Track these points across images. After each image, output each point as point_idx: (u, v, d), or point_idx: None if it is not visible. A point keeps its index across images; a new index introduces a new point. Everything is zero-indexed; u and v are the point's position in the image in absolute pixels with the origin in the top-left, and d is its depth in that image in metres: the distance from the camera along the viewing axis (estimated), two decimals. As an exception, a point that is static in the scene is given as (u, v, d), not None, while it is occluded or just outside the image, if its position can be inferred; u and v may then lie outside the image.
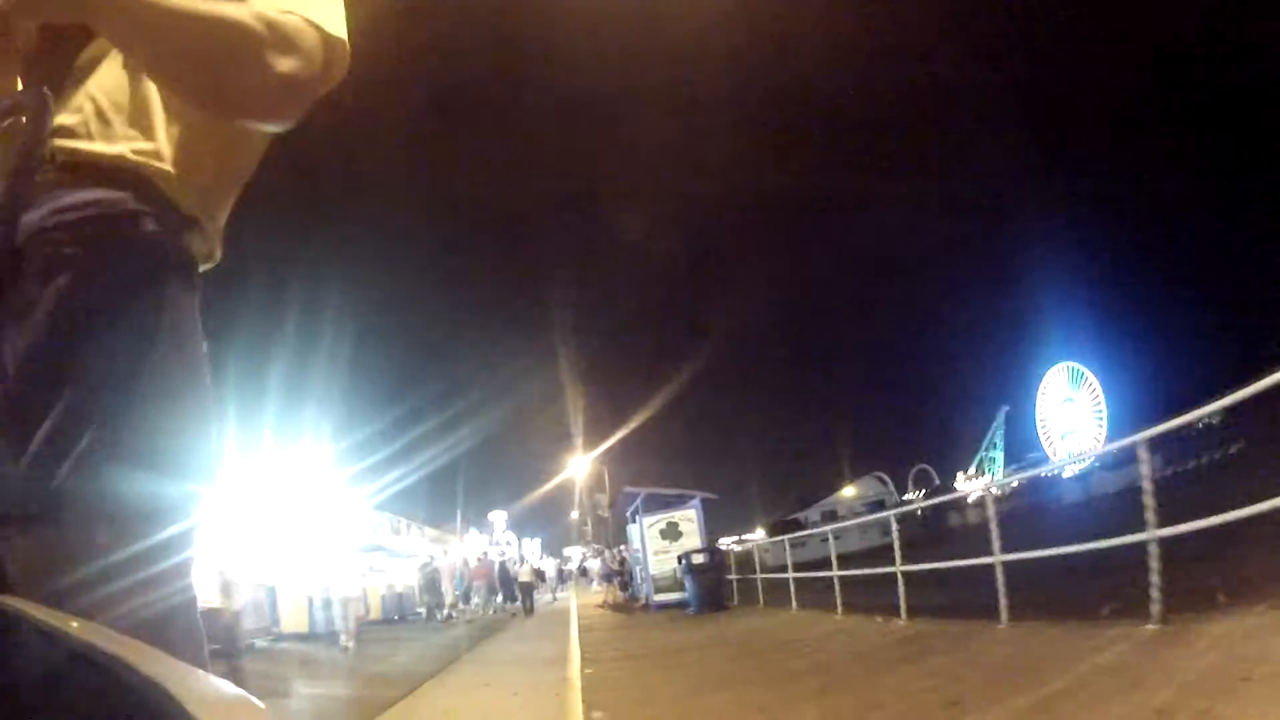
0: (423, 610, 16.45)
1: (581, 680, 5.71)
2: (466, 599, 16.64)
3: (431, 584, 15.44)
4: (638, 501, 14.55)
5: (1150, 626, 4.04)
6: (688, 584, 12.00)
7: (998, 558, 5.55)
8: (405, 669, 8.12)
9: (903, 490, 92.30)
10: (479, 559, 18.66)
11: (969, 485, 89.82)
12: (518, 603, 17.28)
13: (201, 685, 0.36)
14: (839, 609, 8.05)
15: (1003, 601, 5.38)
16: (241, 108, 0.89)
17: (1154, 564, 4.22)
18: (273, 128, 0.93)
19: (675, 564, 12.86)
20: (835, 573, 8.32)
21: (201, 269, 0.96)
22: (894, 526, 7.83)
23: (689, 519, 13.59)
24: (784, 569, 10.64)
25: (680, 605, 12.35)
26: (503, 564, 19.55)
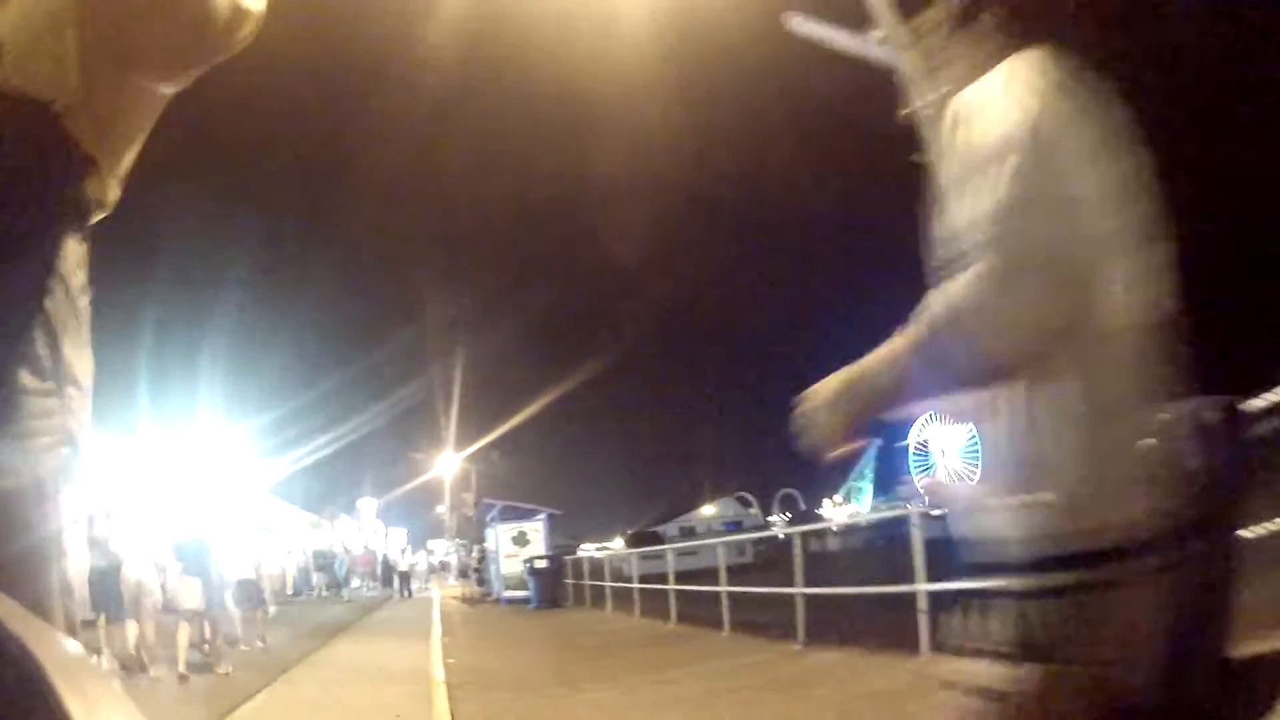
0: (315, 590, 19.72)
1: (441, 643, 9.51)
2: (347, 582, 20.17)
3: (329, 567, 18.91)
4: (496, 510, 18.46)
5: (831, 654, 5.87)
6: (531, 584, 15.91)
7: (799, 589, 6.64)
8: (320, 627, 11.71)
9: (768, 512, 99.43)
10: (364, 549, 22.15)
11: (835, 512, 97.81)
12: (391, 587, 21.07)
13: (49, 640, 0.39)
14: (637, 613, 11.88)
15: (800, 623, 6.36)
16: (174, 43, 0.94)
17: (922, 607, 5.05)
18: (190, 68, 0.99)
19: (522, 566, 16.77)
20: (671, 586, 10.63)
21: (95, 218, 0.98)
22: (719, 550, 10.67)
23: (536, 530, 17.59)
24: (630, 580, 12.75)
25: (525, 601, 16.20)
26: (385, 556, 23.09)
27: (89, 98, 0.90)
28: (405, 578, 22.49)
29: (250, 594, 8.71)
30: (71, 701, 0.34)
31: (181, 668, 6.48)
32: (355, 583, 20.87)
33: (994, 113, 0.89)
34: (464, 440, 32.07)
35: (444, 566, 39.21)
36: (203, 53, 0.96)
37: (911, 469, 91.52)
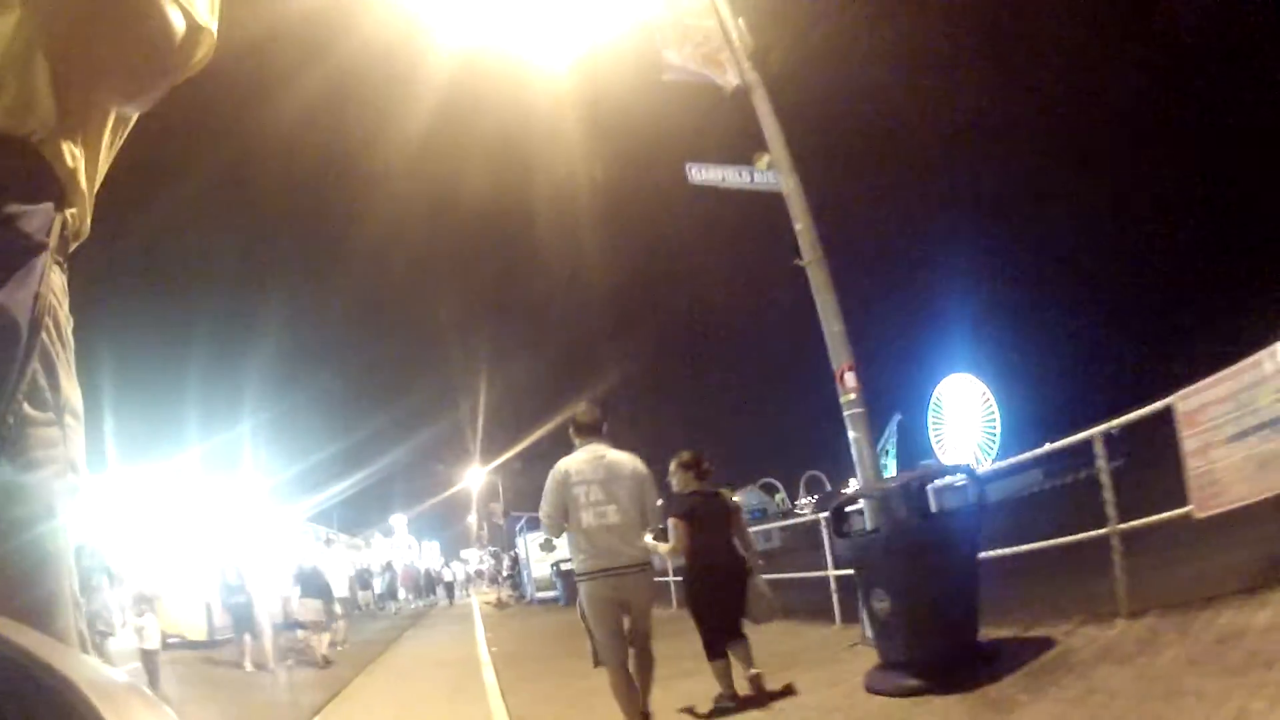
0: (363, 605, 22.08)
1: (484, 637, 11.64)
2: (394, 596, 22.64)
3: (370, 585, 21.39)
4: (523, 520, 20.63)
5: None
6: (558, 584, 18.06)
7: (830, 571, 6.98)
8: (383, 633, 13.95)
9: (795, 496, 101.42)
10: (405, 566, 24.74)
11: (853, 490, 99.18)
12: (433, 598, 23.61)
13: (91, 670, 0.39)
14: (674, 604, 13.88)
15: (835, 605, 6.76)
16: (136, 59, 0.96)
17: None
18: (152, 89, 1.00)
19: (550, 569, 18.92)
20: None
21: (72, 247, 1.00)
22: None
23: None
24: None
25: (554, 599, 18.39)
26: (428, 570, 25.75)
27: (62, 125, 0.93)
28: (450, 587, 25.35)
29: (343, 608, 11.06)
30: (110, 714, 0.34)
31: (312, 662, 8.85)
32: (402, 595, 23.45)
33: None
34: (489, 454, 34.29)
35: (479, 575, 41.62)
36: (164, 73, 1.00)
37: (932, 442, 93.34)
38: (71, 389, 0.92)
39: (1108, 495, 4.38)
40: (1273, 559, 4.30)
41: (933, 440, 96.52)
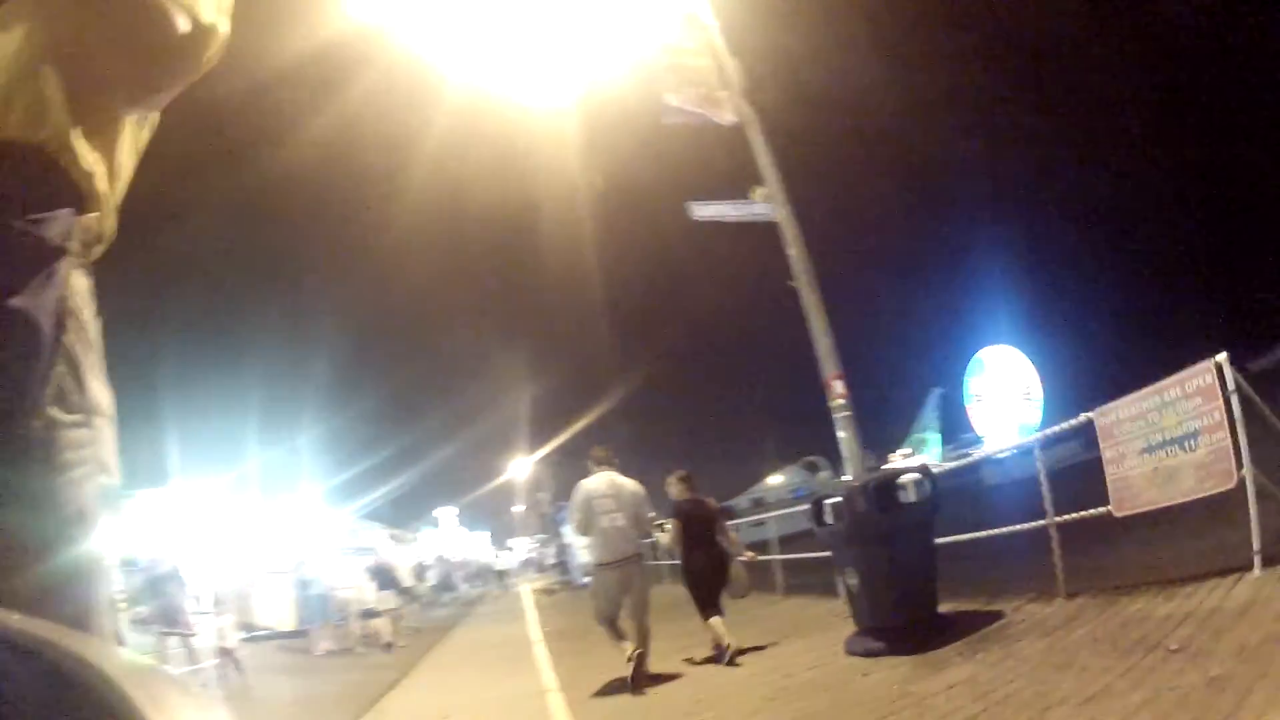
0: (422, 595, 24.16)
1: (535, 618, 12.87)
2: (454, 585, 24.48)
3: (445, 573, 23.48)
4: (565, 509, 22.02)
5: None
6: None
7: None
8: (445, 618, 15.41)
9: (839, 473, 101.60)
10: (462, 559, 26.74)
11: (904, 463, 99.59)
12: (486, 586, 25.46)
13: (124, 659, 0.41)
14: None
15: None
16: (152, 57, 0.99)
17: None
18: (160, 90, 1.04)
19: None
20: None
21: (97, 250, 1.03)
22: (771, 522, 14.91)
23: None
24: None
25: (599, 583, 19.73)
26: (483, 560, 27.75)
27: (76, 132, 0.94)
28: (502, 575, 27.30)
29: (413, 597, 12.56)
30: (143, 702, 0.35)
31: (387, 644, 10.21)
32: (460, 585, 25.50)
33: None
34: (534, 445, 35.79)
35: (527, 564, 43.33)
36: (172, 75, 1.02)
37: (972, 417, 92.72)
38: (100, 390, 0.93)
39: (1045, 491, 5.22)
40: (1190, 554, 5.04)
41: (971, 414, 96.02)
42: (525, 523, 45.53)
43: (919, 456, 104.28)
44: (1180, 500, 4.30)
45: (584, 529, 5.86)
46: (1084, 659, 3.73)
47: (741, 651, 5.74)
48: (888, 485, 5.21)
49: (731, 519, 7.22)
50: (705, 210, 7.57)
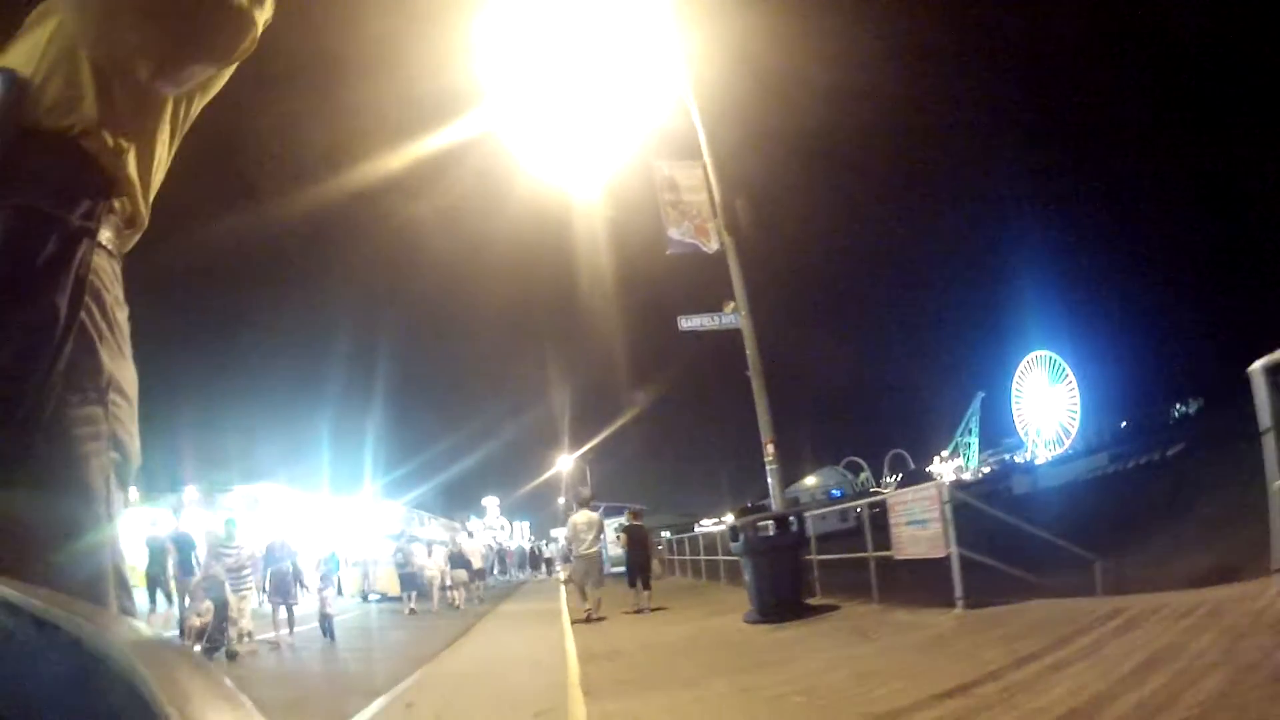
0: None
1: (566, 600, 16.61)
2: (505, 570, 29.04)
3: (499, 558, 27.95)
4: (602, 508, 25.93)
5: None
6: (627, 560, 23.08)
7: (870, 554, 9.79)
8: (495, 594, 19.41)
9: (879, 475, 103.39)
10: (511, 547, 31.28)
11: (942, 467, 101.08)
12: (531, 571, 30.01)
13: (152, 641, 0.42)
14: (714, 578, 18.70)
15: (874, 584, 8.24)
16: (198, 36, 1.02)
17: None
18: (182, 67, 1.06)
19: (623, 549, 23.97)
20: (713, 557, 18.73)
21: (130, 237, 1.08)
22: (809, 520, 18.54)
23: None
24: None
25: (623, 573, 23.47)
26: (532, 548, 32.36)
27: (105, 119, 0.98)
28: (549, 563, 31.86)
29: (478, 574, 16.65)
30: (155, 677, 0.36)
31: (457, 607, 14.38)
32: (511, 570, 30.28)
33: None
34: (576, 443, 39.67)
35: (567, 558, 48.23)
36: (201, 49, 1.04)
37: (1015, 422, 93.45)
38: (119, 370, 0.97)
39: (868, 535, 8.58)
40: (931, 592, 7.92)
41: (1015, 419, 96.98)
42: (566, 515, 49.58)
43: (957, 460, 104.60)
44: (923, 556, 7.51)
45: (571, 542, 11.15)
46: (843, 638, 6.68)
47: (655, 609, 10.21)
48: (770, 521, 8.69)
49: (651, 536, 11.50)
50: (689, 322, 11.05)
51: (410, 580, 14.74)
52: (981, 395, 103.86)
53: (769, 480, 10.45)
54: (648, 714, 4.44)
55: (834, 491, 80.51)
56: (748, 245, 11.64)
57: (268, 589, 11.04)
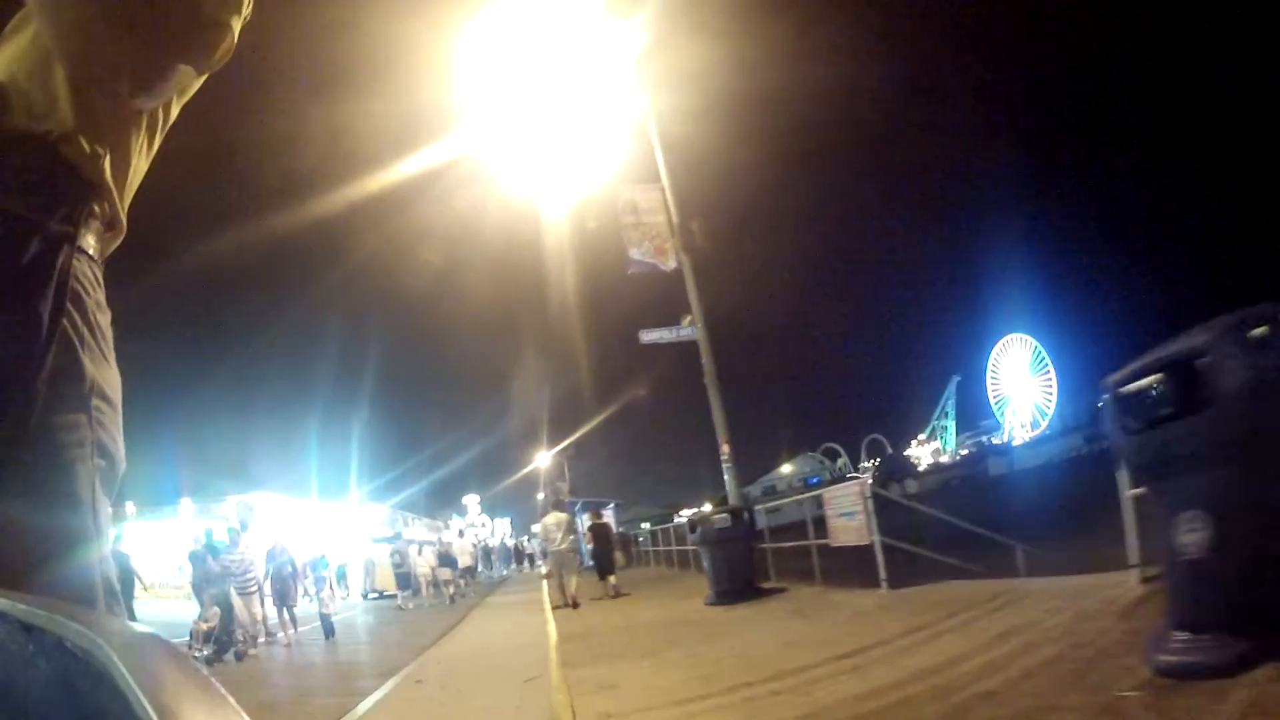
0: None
1: (547, 591, 17.85)
2: (491, 565, 30.33)
3: (484, 555, 29.20)
4: (579, 504, 27.19)
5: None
6: (594, 554, 24.44)
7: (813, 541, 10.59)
8: (487, 587, 20.64)
9: (856, 459, 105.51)
10: (496, 544, 32.60)
11: (920, 451, 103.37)
12: (515, 567, 31.33)
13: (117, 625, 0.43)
14: (685, 567, 19.96)
15: (816, 569, 9.41)
16: (174, 44, 1.03)
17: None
18: (161, 82, 1.07)
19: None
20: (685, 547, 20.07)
21: (110, 242, 1.08)
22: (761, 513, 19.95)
23: (608, 514, 26.19)
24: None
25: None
26: (517, 545, 33.73)
27: (81, 125, 0.99)
28: (530, 557, 33.58)
29: (468, 570, 17.98)
30: (138, 676, 0.35)
31: (448, 602, 15.62)
32: (494, 565, 31.60)
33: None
34: (554, 439, 40.50)
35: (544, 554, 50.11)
36: (175, 58, 1.04)
37: (992, 404, 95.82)
38: (101, 375, 0.97)
39: (809, 526, 9.86)
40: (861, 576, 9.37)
41: (992, 401, 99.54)
42: (545, 510, 51.02)
43: (935, 443, 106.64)
44: (853, 544, 8.77)
45: (545, 540, 12.46)
46: (779, 616, 8.02)
47: (625, 595, 11.66)
48: (726, 513, 9.96)
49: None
50: (650, 335, 12.25)
51: (405, 579, 16.42)
52: (957, 379, 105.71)
53: (725, 477, 11.71)
54: (613, 676, 5.64)
55: (811, 479, 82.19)
56: (703, 262, 12.82)
57: (270, 592, 11.77)
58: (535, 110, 13.70)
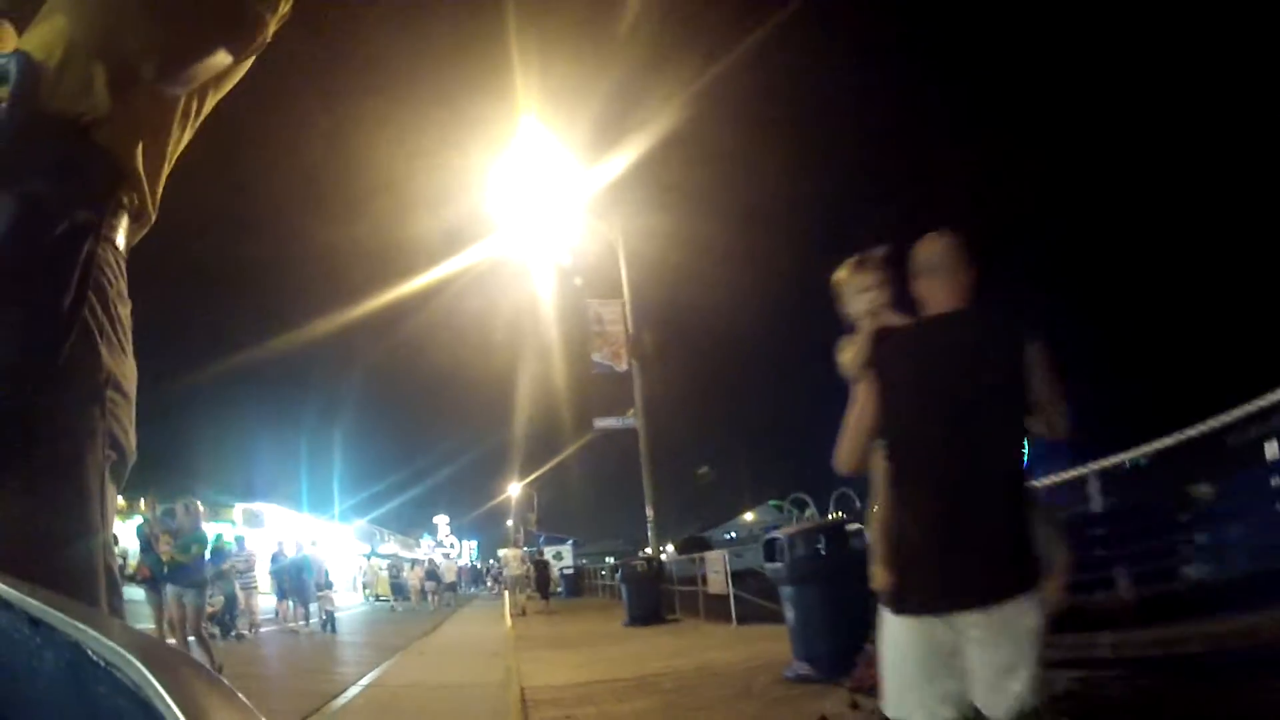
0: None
1: (509, 610, 21.93)
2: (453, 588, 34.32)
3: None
4: (543, 538, 31.51)
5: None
6: (563, 583, 28.35)
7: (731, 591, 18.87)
8: (460, 601, 24.79)
9: (825, 512, 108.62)
10: (462, 565, 36.38)
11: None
12: (481, 588, 35.41)
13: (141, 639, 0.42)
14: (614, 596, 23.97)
15: (732, 610, 13.63)
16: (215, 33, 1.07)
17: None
18: (186, 68, 1.09)
19: (559, 573, 29.32)
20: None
21: (136, 231, 1.09)
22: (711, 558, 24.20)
23: (567, 549, 30.46)
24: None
25: (562, 593, 28.74)
26: (485, 567, 37.83)
27: (116, 112, 0.99)
28: (497, 579, 37.10)
29: (450, 586, 22.37)
30: (155, 677, 0.36)
31: (432, 608, 20.02)
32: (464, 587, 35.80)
33: None
34: (525, 472, 44.28)
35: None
36: (197, 50, 1.06)
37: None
38: (118, 366, 0.97)
39: (699, 577, 14.10)
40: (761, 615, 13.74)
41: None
42: (513, 538, 55.12)
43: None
44: (719, 593, 12.95)
45: (504, 566, 17.89)
46: (675, 634, 12.42)
47: (551, 613, 16.33)
48: (644, 559, 14.20)
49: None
50: (602, 422, 16.57)
51: (399, 588, 20.72)
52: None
53: (649, 533, 15.96)
54: (550, 656, 9.78)
55: (769, 528, 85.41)
56: (650, 366, 17.12)
57: (277, 588, 14.88)
58: (523, 228, 17.98)
